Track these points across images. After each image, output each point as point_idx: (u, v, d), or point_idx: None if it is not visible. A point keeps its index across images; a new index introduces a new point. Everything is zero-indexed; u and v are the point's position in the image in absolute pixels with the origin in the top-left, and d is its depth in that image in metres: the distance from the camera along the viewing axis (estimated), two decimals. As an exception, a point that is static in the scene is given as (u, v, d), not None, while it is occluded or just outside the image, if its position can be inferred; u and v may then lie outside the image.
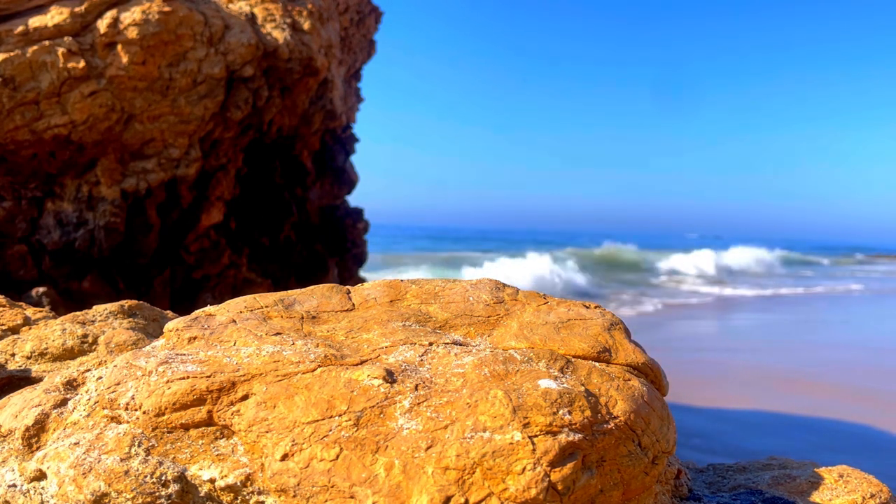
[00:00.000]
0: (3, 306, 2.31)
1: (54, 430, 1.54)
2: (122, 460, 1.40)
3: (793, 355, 12.50)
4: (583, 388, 1.48)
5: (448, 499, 1.27)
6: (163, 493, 1.36)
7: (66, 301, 7.39)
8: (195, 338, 1.73)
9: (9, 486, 1.44)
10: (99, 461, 1.40)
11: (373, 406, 1.42)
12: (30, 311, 2.30)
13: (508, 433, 1.34)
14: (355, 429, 1.38)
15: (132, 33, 7.17)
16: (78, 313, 2.21)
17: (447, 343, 1.69)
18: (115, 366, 1.63)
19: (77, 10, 7.10)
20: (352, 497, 1.30)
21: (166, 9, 7.31)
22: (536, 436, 1.34)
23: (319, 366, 1.54)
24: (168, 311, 2.36)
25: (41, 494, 1.41)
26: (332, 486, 1.31)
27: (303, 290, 2.06)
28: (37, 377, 1.92)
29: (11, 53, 6.80)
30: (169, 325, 1.81)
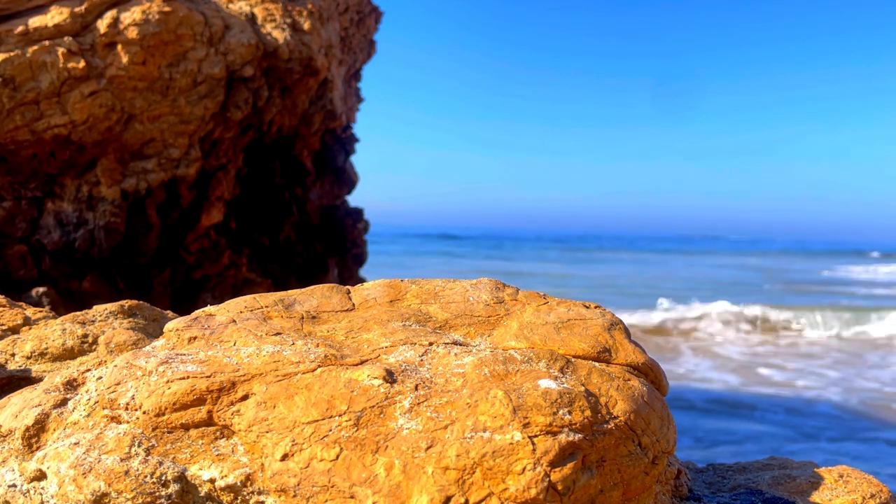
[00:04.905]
0: (3, 306, 2.31)
1: (54, 430, 1.54)
2: (122, 460, 1.40)
3: None
4: (583, 388, 1.48)
5: (448, 499, 1.27)
6: (163, 493, 1.36)
7: (66, 301, 7.39)
8: (195, 338, 1.73)
9: (9, 486, 1.44)
10: (99, 461, 1.40)
11: (373, 406, 1.42)
12: (30, 311, 2.30)
13: (508, 433, 1.34)
14: (355, 429, 1.38)
15: (132, 33, 7.17)
16: (78, 313, 2.21)
17: (447, 343, 1.69)
18: (115, 366, 1.63)
19: (77, 10, 7.10)
20: (352, 497, 1.30)
21: (166, 9, 7.31)
22: (536, 436, 1.34)
23: (319, 366, 1.54)
24: (168, 311, 2.36)
25: (41, 494, 1.41)
26: (332, 486, 1.31)
27: (303, 290, 2.06)
28: (37, 377, 1.92)
29: (11, 53, 6.80)
30: (169, 325, 1.81)
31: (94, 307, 2.26)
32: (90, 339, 2.05)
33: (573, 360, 1.63)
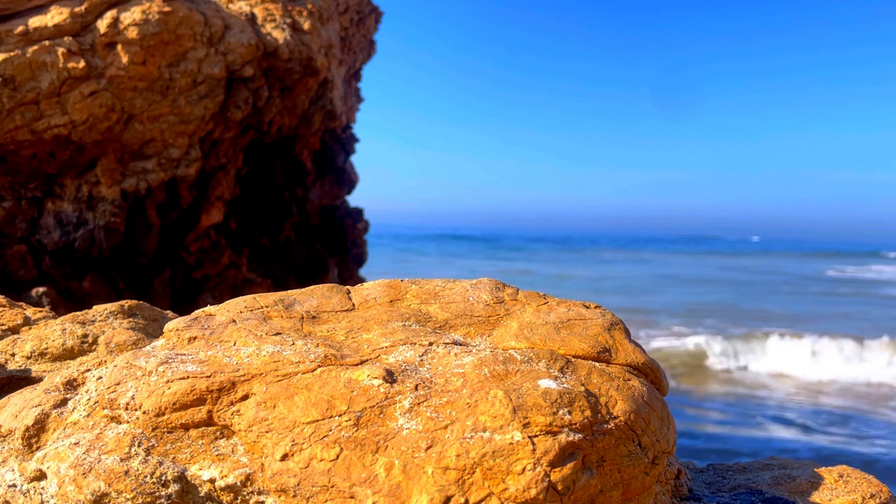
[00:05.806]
0: (3, 306, 2.31)
1: (54, 430, 1.54)
2: (122, 460, 1.39)
3: None
4: (583, 388, 1.48)
5: (448, 499, 1.27)
6: (163, 493, 1.36)
7: (66, 301, 7.39)
8: (195, 338, 1.73)
9: (9, 486, 1.44)
10: (99, 461, 1.40)
11: (373, 406, 1.42)
12: (30, 311, 2.30)
13: (508, 433, 1.34)
14: (355, 429, 1.38)
15: (132, 33, 7.17)
16: (78, 313, 2.21)
17: (447, 343, 1.69)
18: (115, 366, 1.63)
19: (77, 10, 7.09)
20: (352, 497, 1.30)
21: (166, 9, 7.31)
22: (536, 436, 1.34)
23: (319, 366, 1.54)
24: (168, 311, 2.36)
25: (41, 494, 1.41)
26: (332, 486, 1.31)
27: (303, 290, 2.06)
28: (37, 377, 1.92)
29: (11, 53, 6.79)
30: (169, 325, 1.81)
31: (94, 307, 2.26)
32: (90, 339, 2.05)
33: (573, 360, 1.63)
